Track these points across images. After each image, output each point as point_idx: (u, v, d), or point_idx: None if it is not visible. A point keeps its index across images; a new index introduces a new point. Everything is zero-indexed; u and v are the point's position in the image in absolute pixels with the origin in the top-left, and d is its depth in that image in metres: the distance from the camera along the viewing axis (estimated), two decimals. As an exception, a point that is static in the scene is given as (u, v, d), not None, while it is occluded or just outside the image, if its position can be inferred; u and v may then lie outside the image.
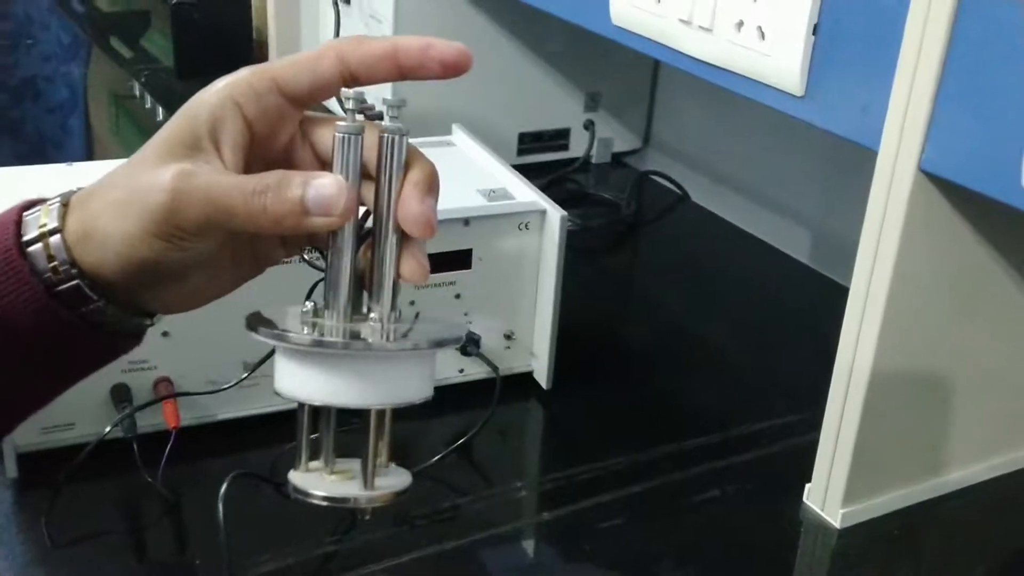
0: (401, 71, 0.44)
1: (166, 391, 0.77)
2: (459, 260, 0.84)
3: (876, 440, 0.73)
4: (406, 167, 0.44)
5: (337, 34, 1.32)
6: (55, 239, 0.43)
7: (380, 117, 0.45)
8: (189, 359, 0.78)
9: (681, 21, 0.80)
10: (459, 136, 0.99)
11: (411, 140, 0.45)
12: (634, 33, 0.87)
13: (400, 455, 0.82)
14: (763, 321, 1.06)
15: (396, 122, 0.44)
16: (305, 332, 0.45)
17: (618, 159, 1.42)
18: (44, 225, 0.43)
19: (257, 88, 0.43)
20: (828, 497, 0.75)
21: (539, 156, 1.35)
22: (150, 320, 0.47)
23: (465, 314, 0.86)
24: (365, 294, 0.46)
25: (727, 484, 0.80)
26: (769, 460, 0.83)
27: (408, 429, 0.84)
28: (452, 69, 0.43)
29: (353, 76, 0.44)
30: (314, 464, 0.48)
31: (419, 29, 1.21)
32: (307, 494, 0.47)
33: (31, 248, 0.43)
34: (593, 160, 1.39)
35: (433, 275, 0.83)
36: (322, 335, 0.44)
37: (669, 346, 1.01)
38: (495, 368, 0.85)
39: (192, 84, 0.45)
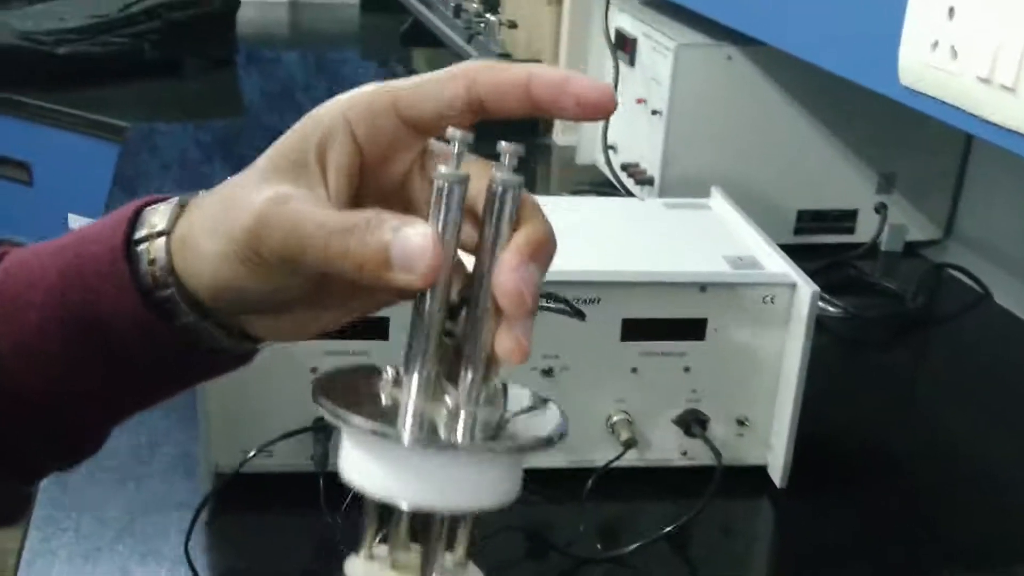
0: (534, 104, 0.38)
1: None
2: (692, 330, 0.76)
3: None
4: (516, 227, 0.37)
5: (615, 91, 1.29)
6: (160, 241, 0.41)
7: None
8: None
9: (980, 79, 0.69)
10: (717, 200, 0.92)
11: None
12: (925, 95, 0.76)
13: (606, 534, 0.76)
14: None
15: (509, 172, 0.37)
16: (384, 399, 0.38)
17: (912, 249, 1.28)
18: (155, 225, 0.41)
19: (374, 108, 0.39)
20: (1117, 675, 0.60)
21: (819, 237, 1.24)
22: (254, 345, 0.44)
23: (693, 391, 0.77)
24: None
25: (984, 635, 0.66)
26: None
27: (619, 508, 0.77)
28: (590, 110, 0.37)
29: (482, 104, 0.38)
30: (380, 551, 0.40)
31: (698, 90, 1.16)
32: None
33: (139, 248, 0.41)
34: (882, 247, 1.25)
35: (661, 343, 0.77)
36: (392, 417, 0.38)
37: (936, 461, 0.87)
38: (718, 455, 0.76)
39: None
